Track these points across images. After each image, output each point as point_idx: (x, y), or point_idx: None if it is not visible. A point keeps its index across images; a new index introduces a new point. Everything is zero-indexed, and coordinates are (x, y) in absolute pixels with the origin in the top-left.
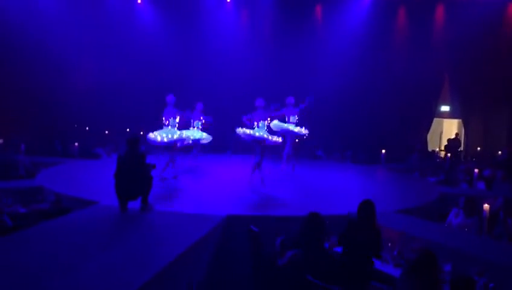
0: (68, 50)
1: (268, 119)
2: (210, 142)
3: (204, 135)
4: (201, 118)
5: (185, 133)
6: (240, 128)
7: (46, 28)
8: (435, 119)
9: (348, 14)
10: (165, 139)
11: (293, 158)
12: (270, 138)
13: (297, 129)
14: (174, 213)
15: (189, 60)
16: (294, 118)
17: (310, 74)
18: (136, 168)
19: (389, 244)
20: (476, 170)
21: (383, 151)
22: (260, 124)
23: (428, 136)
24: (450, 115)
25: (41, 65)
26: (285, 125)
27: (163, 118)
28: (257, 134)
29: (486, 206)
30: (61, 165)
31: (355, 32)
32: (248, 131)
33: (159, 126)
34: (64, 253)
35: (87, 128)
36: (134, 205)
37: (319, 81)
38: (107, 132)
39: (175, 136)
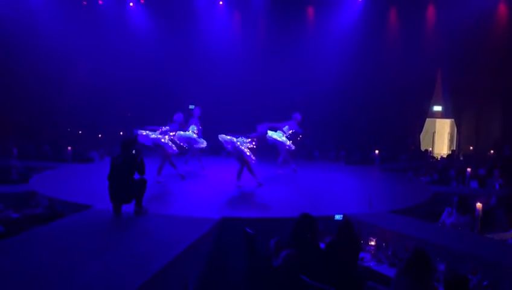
0: (61, 54)
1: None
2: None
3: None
4: (196, 129)
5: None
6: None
7: (38, 33)
8: (428, 120)
9: (339, 15)
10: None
11: (292, 161)
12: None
13: (280, 138)
14: (169, 216)
15: (182, 62)
16: (287, 129)
17: (303, 75)
18: (130, 170)
19: (384, 244)
20: (469, 169)
21: (377, 151)
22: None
23: (421, 136)
24: (443, 115)
25: (34, 70)
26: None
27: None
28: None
29: (479, 204)
30: (54, 169)
31: (348, 33)
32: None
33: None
34: (59, 258)
35: (80, 132)
36: (129, 208)
37: (312, 82)
38: (100, 135)
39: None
